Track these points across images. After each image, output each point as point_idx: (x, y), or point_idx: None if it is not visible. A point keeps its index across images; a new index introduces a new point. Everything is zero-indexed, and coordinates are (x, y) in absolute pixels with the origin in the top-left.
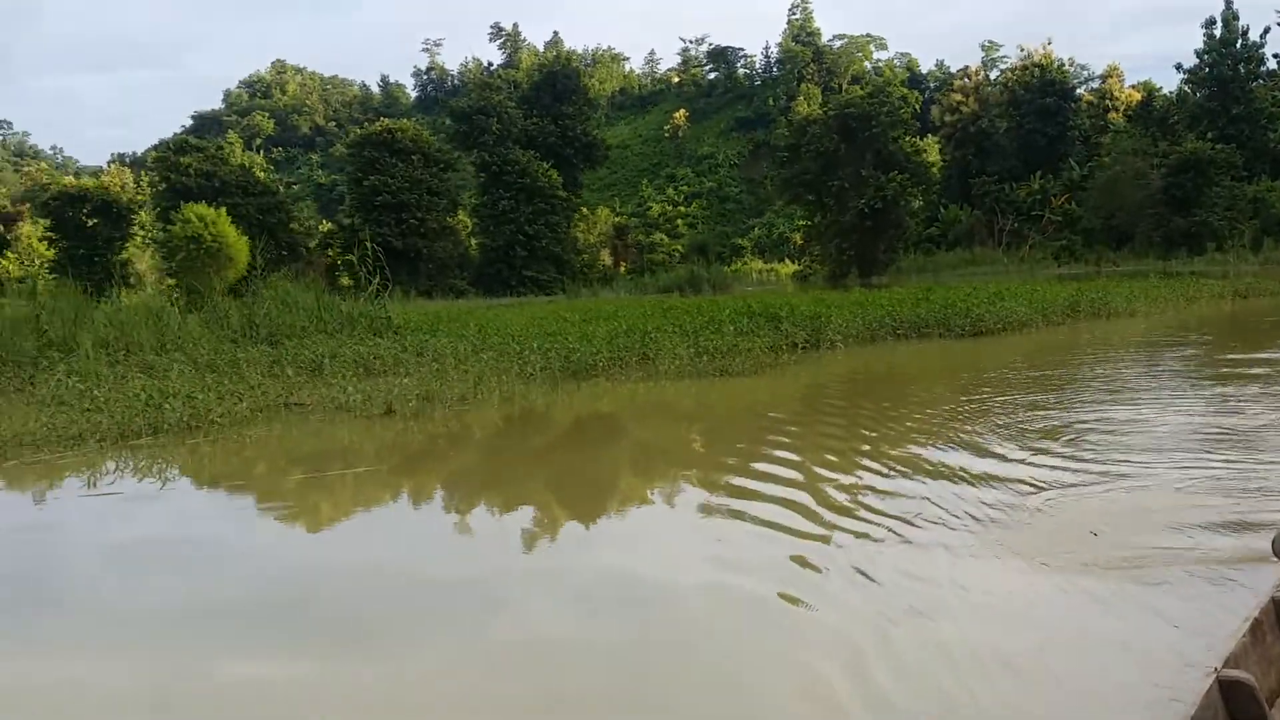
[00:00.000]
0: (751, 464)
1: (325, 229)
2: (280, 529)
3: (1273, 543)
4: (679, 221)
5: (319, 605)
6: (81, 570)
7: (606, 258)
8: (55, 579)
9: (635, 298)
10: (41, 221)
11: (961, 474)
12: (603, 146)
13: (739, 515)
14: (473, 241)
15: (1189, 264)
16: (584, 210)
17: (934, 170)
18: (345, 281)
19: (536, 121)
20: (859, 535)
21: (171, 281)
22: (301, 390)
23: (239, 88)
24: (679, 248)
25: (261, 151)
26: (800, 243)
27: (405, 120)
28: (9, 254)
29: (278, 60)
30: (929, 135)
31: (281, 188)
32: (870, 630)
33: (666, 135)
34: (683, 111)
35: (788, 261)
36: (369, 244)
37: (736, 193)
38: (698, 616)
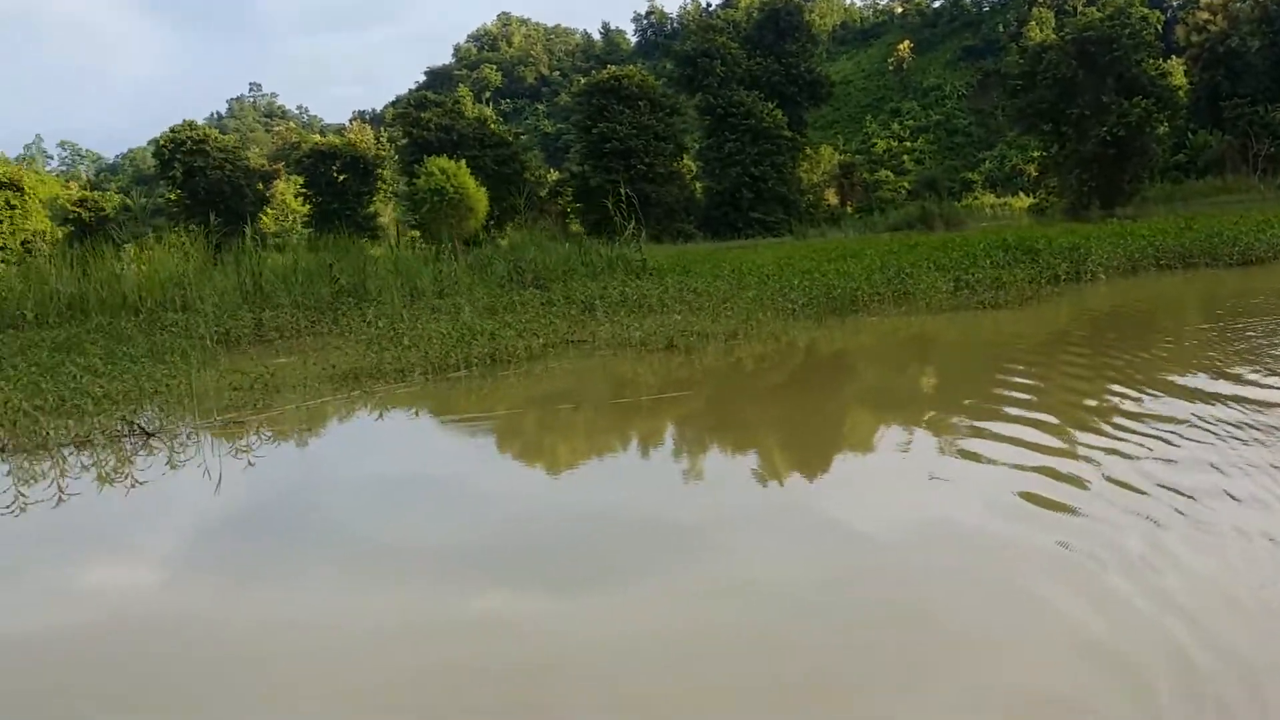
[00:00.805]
0: (1022, 396)
1: (552, 177)
2: (551, 461)
3: None
4: (905, 157)
5: (568, 543)
6: (374, 500)
7: (832, 197)
8: (345, 508)
9: (869, 236)
10: (295, 179)
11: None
12: (827, 83)
13: (1003, 453)
14: (697, 185)
15: None
16: (808, 150)
17: (1180, 94)
18: (575, 228)
19: (760, 61)
20: (1128, 473)
21: (414, 232)
22: (583, 328)
23: (468, 42)
24: (905, 184)
25: (490, 104)
26: (1035, 175)
27: (631, 66)
28: (268, 210)
29: (503, 13)
30: (1173, 57)
31: (512, 138)
32: (1142, 581)
33: (890, 68)
34: (907, 43)
35: (1021, 195)
36: (624, 191)
37: (965, 125)
38: (942, 559)
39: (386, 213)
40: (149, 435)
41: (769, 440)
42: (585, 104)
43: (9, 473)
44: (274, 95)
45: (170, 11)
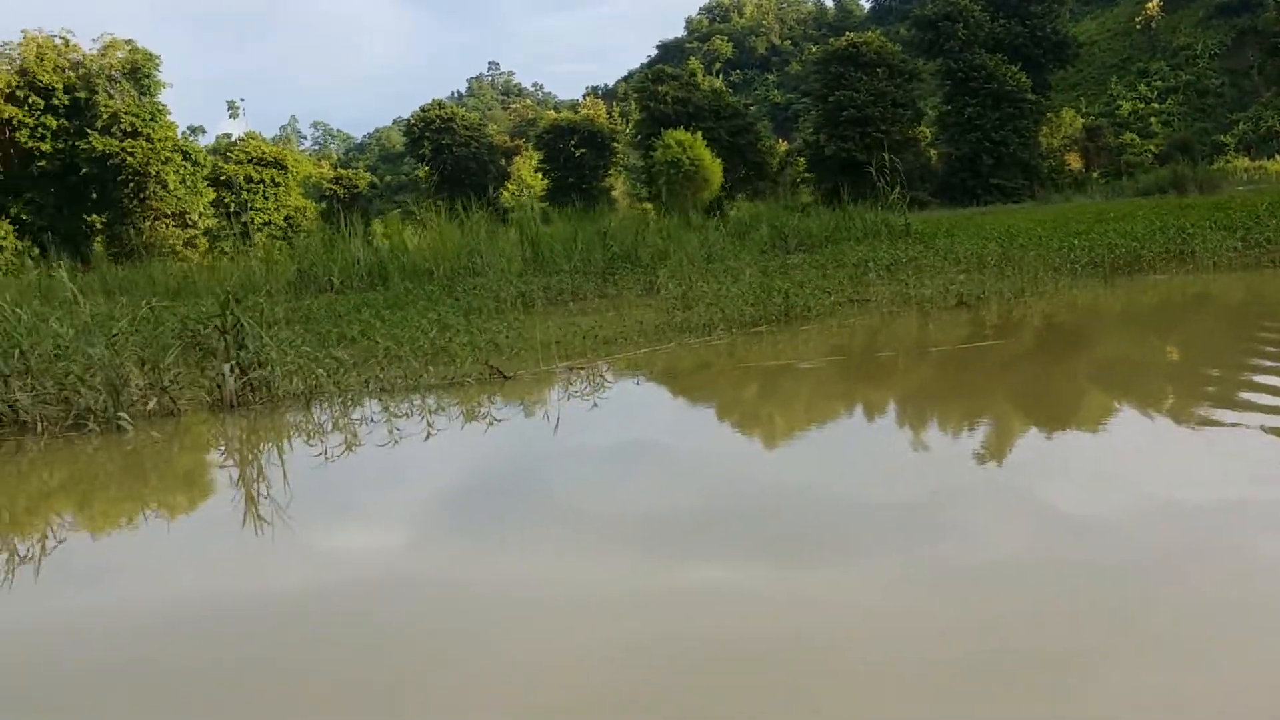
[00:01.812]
0: None
1: (781, 148)
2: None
3: None
4: (1152, 120)
5: (786, 513)
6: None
7: (1074, 161)
8: (668, 458)
9: (1120, 201)
10: (533, 153)
11: None
12: (1074, 44)
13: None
14: (931, 152)
15: None
16: (1049, 114)
17: None
18: (805, 198)
19: (1003, 23)
20: None
21: (646, 205)
22: (866, 288)
23: (699, 14)
24: (1151, 148)
25: (720, 75)
26: None
27: (869, 32)
28: (508, 185)
29: None
30: None
31: (744, 109)
32: None
33: (1137, 27)
34: (1155, 0)
35: (1278, 158)
36: (887, 156)
37: (1217, 86)
38: (1202, 540)
39: (617, 185)
40: (506, 378)
41: (1058, 395)
42: (822, 72)
43: (384, 409)
44: (511, 73)
45: None
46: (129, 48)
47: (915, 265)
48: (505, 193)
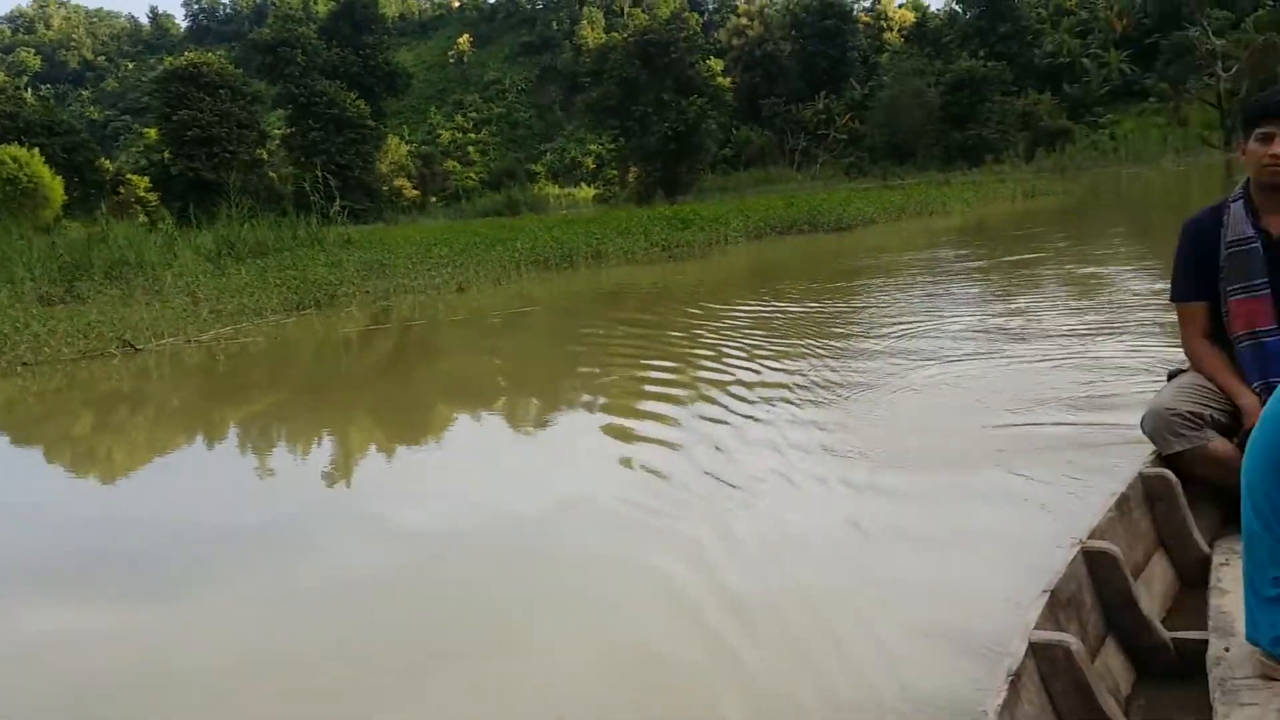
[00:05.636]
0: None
1: (109, 166)
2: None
3: (1140, 421)
4: (470, 149)
5: (120, 556)
6: None
7: (406, 185)
8: None
9: (462, 222)
10: None
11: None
12: (405, 75)
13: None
14: (273, 174)
15: (968, 175)
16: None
17: (726, 93)
18: (141, 219)
19: (339, 51)
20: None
21: None
22: (365, 284)
23: (0, 23)
24: (472, 175)
25: (29, 89)
26: (592, 167)
27: (210, 54)
28: None
29: None
30: (712, 58)
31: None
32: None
33: (451, 61)
34: (466, 36)
35: (584, 185)
36: (318, 172)
37: (526, 118)
38: (538, 538)
39: None
40: (138, 350)
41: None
42: (163, 90)
43: None
44: None
45: None
46: None
47: (385, 266)
48: None
